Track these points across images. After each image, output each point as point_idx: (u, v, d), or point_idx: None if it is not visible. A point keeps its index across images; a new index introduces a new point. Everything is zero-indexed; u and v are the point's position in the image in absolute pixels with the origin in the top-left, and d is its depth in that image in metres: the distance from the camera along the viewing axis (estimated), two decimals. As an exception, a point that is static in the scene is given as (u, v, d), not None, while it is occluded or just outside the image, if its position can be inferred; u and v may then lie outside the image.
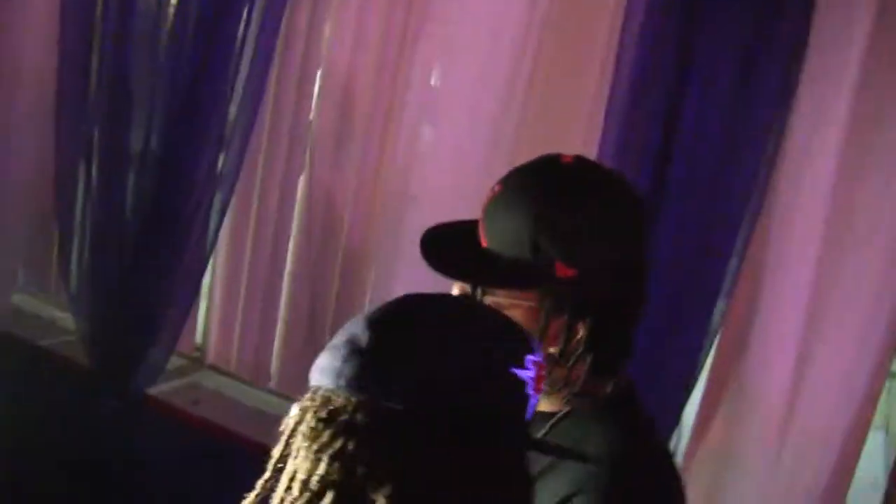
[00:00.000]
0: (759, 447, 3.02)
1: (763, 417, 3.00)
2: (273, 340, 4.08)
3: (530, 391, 1.27)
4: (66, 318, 4.39)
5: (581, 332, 1.63)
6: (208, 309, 4.26)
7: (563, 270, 1.60)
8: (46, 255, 4.55)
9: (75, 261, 4.14)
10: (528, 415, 1.29)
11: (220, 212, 3.83)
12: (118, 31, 3.88)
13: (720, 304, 2.94)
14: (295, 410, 1.28)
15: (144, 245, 3.93)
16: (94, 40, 3.95)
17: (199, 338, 4.37)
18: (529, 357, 1.28)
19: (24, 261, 4.69)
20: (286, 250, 3.98)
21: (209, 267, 4.05)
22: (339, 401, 1.23)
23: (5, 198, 4.31)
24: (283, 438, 1.27)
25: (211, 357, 4.29)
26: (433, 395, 1.22)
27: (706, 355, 3.01)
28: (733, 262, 2.90)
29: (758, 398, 3.01)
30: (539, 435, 1.67)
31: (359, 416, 1.21)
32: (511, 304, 1.62)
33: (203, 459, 4.02)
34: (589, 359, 1.65)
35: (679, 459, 3.16)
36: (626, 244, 1.66)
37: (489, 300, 1.65)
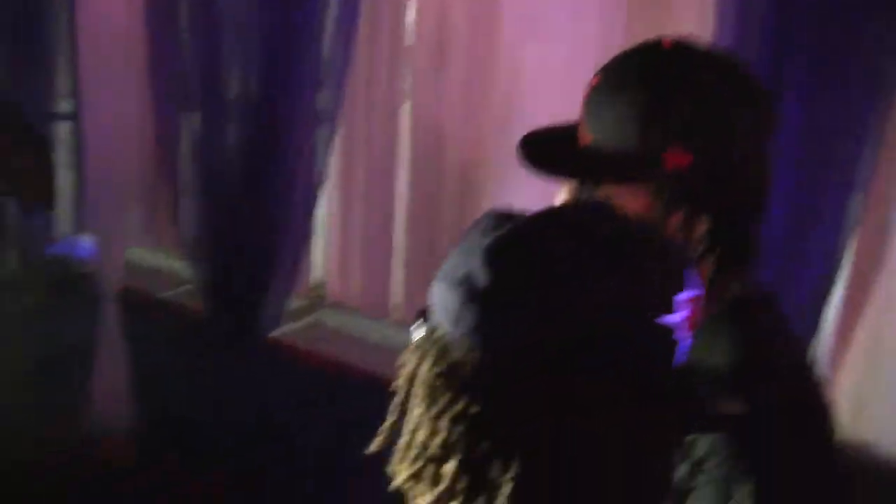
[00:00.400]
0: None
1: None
2: (391, 272, 4.06)
3: (681, 335, 1.10)
4: (182, 269, 4.40)
5: (702, 228, 1.52)
6: (325, 247, 4.25)
7: (678, 158, 1.48)
8: (157, 207, 4.57)
9: (187, 210, 4.14)
10: (678, 359, 1.12)
11: (325, 148, 3.79)
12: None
13: (856, 198, 2.78)
14: (413, 353, 1.15)
15: (253, 188, 3.91)
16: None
17: (317, 276, 4.35)
18: (681, 297, 1.11)
19: (136, 215, 4.70)
20: (397, 180, 3.95)
21: (323, 204, 4.03)
22: (459, 353, 1.08)
23: (110, 153, 4.31)
24: (403, 387, 1.16)
25: (331, 295, 4.29)
26: (563, 352, 1.05)
27: (844, 252, 2.87)
28: (868, 151, 2.74)
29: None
30: None
31: (482, 376, 1.07)
32: (625, 198, 1.51)
33: (329, 398, 4.03)
34: (712, 258, 1.55)
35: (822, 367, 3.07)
36: (745, 130, 1.52)
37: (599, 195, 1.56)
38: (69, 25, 4.32)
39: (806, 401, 1.56)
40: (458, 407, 1.07)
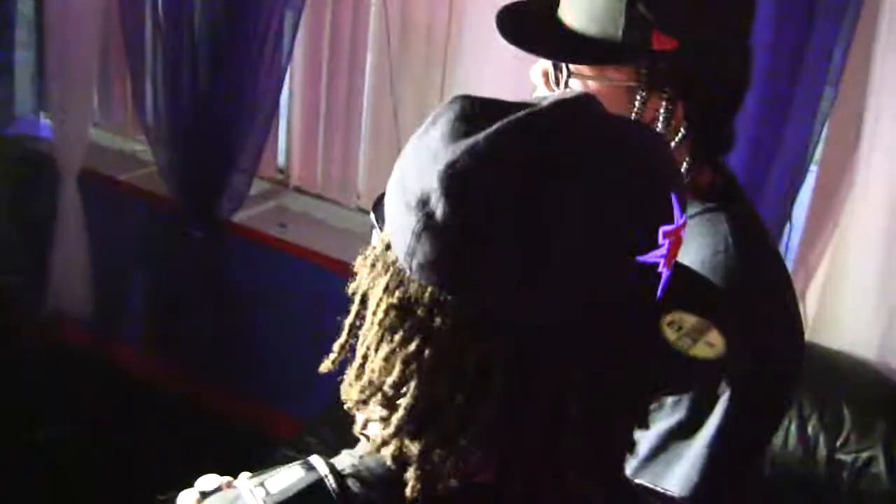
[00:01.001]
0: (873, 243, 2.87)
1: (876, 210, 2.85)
2: (358, 157, 3.98)
3: (662, 269, 1.00)
4: (145, 151, 4.31)
5: (679, 115, 1.50)
6: (289, 130, 4.16)
7: (662, 42, 1.45)
8: (120, 88, 4.48)
9: (150, 92, 4.04)
10: (659, 294, 1.02)
11: (292, 29, 3.70)
12: None
13: (828, 92, 2.77)
14: (365, 267, 1.06)
15: (218, 69, 3.82)
16: None
17: (281, 160, 4.27)
18: (665, 228, 0.98)
19: (99, 95, 4.61)
20: (364, 61, 3.85)
21: (286, 87, 3.93)
22: (413, 286, 0.99)
23: (73, 33, 4.21)
24: (355, 306, 1.07)
25: (295, 179, 4.22)
26: (529, 294, 0.96)
27: (815, 144, 2.87)
28: (837, 51, 2.73)
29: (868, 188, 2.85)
30: None
31: (437, 318, 0.97)
32: (603, 83, 1.51)
33: (293, 283, 3.99)
34: (688, 147, 1.54)
35: (792, 257, 3.09)
36: (729, 16, 1.52)
37: (575, 80, 1.53)
38: None
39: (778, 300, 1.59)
40: (411, 348, 0.99)
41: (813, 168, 3.01)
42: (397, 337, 0.99)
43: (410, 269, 0.98)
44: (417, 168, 0.99)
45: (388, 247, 1.02)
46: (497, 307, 0.96)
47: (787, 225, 2.98)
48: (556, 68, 1.55)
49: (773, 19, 2.67)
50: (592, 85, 1.52)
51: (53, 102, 4.37)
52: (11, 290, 4.37)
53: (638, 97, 1.49)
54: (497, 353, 0.96)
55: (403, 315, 0.99)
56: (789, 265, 2.93)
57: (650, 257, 0.97)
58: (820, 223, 3.06)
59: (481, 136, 0.96)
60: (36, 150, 4.50)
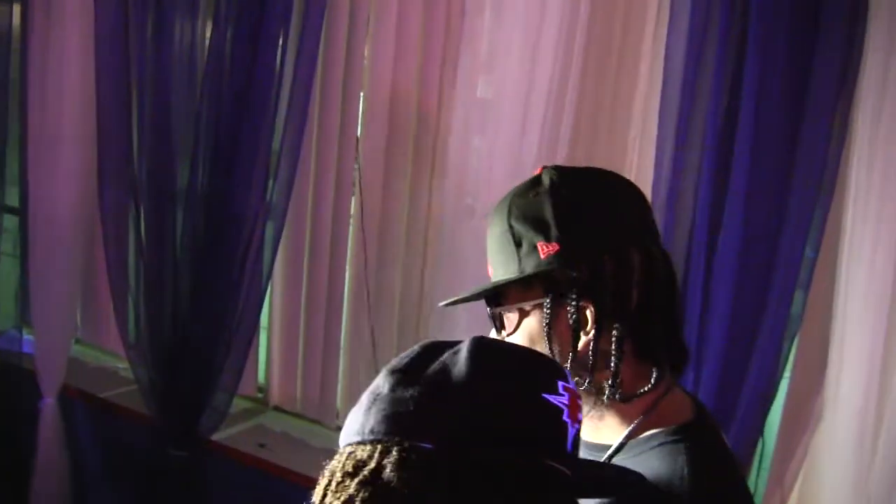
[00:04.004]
0: (851, 455, 2.79)
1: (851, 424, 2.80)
2: (337, 375, 3.95)
3: (566, 419, 1.24)
4: (126, 369, 4.28)
5: (590, 316, 1.57)
6: (269, 348, 4.14)
7: (546, 248, 1.58)
8: (103, 305, 4.48)
9: (131, 309, 4.03)
10: (569, 445, 1.24)
11: (273, 244, 3.71)
12: (154, 73, 3.79)
13: (798, 297, 2.77)
14: (323, 475, 1.26)
15: (199, 286, 3.81)
16: (131, 84, 3.84)
17: (261, 378, 4.24)
18: (562, 383, 1.26)
19: (82, 312, 4.62)
20: (343, 279, 3.86)
21: (266, 307, 3.92)
22: (364, 453, 1.21)
23: (57, 249, 4.24)
24: None
25: (275, 398, 4.18)
26: (462, 427, 1.19)
27: (787, 356, 2.85)
28: (808, 253, 2.74)
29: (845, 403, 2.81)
30: None
31: (385, 461, 1.18)
32: (522, 313, 1.64)
33: (272, 503, 3.90)
34: (615, 348, 1.58)
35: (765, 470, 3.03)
36: (607, 218, 1.62)
37: (506, 324, 1.69)
38: (19, 115, 4.26)
39: None
40: (366, 493, 1.17)
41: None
42: (350, 489, 1.19)
43: (363, 439, 1.23)
44: (369, 388, 1.29)
45: (341, 452, 1.27)
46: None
47: (760, 441, 2.93)
48: (491, 315, 1.72)
49: (738, 234, 2.72)
50: (513, 316, 1.66)
51: (36, 317, 4.36)
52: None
53: (549, 310, 1.59)
54: None
55: (355, 476, 1.20)
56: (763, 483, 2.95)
57: (554, 399, 1.23)
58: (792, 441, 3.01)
59: (414, 347, 1.32)
60: (17, 366, 4.49)
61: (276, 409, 4.20)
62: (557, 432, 1.23)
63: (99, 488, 4.45)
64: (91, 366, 4.62)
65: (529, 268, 1.60)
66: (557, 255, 1.57)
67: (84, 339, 4.72)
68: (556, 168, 1.66)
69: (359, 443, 1.22)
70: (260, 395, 4.25)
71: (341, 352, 3.94)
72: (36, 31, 4.13)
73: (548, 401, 1.23)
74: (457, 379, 1.22)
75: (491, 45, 3.29)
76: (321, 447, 3.93)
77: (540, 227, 1.59)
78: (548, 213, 1.60)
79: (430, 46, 3.51)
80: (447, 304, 1.78)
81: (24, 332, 4.58)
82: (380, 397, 1.24)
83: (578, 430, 1.27)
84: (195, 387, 3.89)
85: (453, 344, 1.30)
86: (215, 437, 3.99)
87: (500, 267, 1.66)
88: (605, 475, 1.36)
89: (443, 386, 1.22)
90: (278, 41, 3.52)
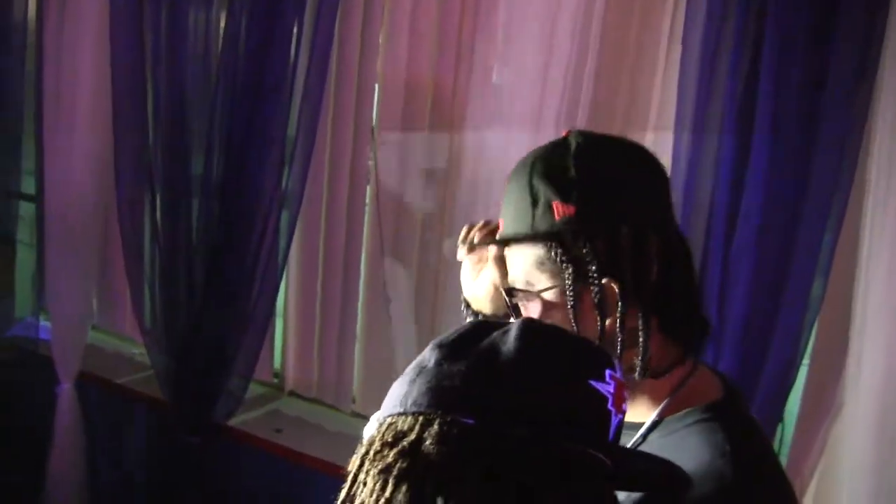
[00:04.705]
0: (872, 442, 2.78)
1: (872, 411, 2.79)
2: (353, 361, 3.98)
3: (611, 407, 1.24)
4: (142, 354, 4.32)
5: (614, 291, 1.56)
6: (284, 333, 4.17)
7: (562, 208, 1.58)
8: (119, 291, 4.51)
9: (147, 295, 4.06)
10: (611, 434, 1.25)
11: (288, 231, 3.73)
12: (169, 61, 3.81)
13: (818, 283, 2.75)
14: (362, 444, 1.25)
15: (215, 272, 3.83)
16: (146, 73, 3.86)
17: (277, 364, 4.27)
18: (609, 372, 1.26)
19: (98, 298, 4.65)
20: (359, 266, 3.88)
21: (282, 292, 3.95)
22: (405, 424, 1.20)
23: (73, 236, 4.26)
24: (351, 476, 1.23)
25: (290, 383, 4.21)
26: (505, 406, 1.19)
27: (806, 342, 2.82)
28: (827, 238, 2.71)
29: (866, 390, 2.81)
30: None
31: (426, 433, 1.18)
32: (545, 303, 1.62)
33: (289, 488, 3.94)
34: (643, 324, 1.57)
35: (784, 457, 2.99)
36: (627, 189, 1.62)
37: (524, 314, 1.67)
38: (35, 105, 4.28)
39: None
40: (404, 464, 1.16)
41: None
42: (388, 459, 1.19)
43: (405, 410, 1.23)
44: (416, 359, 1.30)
45: (382, 422, 1.26)
46: None
47: (780, 427, 2.94)
48: (507, 293, 1.70)
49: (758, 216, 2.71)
50: (532, 306, 1.64)
51: (53, 304, 4.39)
52: (6, 493, 4.33)
53: (567, 291, 1.58)
54: None
55: (394, 446, 1.20)
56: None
57: (600, 386, 1.23)
58: (811, 428, 3.00)
59: (464, 325, 1.33)
60: (34, 352, 4.51)
61: (292, 394, 4.23)
62: (601, 420, 1.23)
63: (115, 473, 4.48)
64: (107, 352, 4.66)
65: (542, 227, 1.60)
66: (572, 217, 1.57)
67: (100, 326, 4.76)
68: (583, 133, 1.66)
69: (400, 414, 1.22)
70: (276, 381, 4.28)
71: (357, 337, 3.96)
72: (51, 20, 4.14)
73: (594, 388, 1.23)
74: (504, 358, 1.22)
75: (506, 32, 3.29)
76: (337, 432, 3.95)
77: (559, 188, 1.59)
78: (568, 174, 1.59)
79: (445, 34, 3.51)
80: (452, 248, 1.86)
81: (41, 318, 4.60)
82: (425, 370, 1.25)
83: (622, 421, 1.27)
84: (211, 372, 3.91)
85: (503, 324, 1.30)
86: (231, 422, 4.02)
87: (511, 223, 1.67)
88: (648, 469, 1.34)
89: (490, 363, 1.22)
90: (293, 29, 3.53)
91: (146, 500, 4.44)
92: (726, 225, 2.75)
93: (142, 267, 4.06)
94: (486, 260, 1.95)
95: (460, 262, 2.06)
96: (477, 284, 1.98)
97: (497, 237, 1.73)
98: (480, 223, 2.00)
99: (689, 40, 2.81)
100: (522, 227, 1.63)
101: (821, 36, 2.60)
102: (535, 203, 1.61)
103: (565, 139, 1.66)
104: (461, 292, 1.99)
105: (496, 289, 1.87)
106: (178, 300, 3.94)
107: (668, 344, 1.61)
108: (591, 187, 1.59)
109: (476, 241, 1.96)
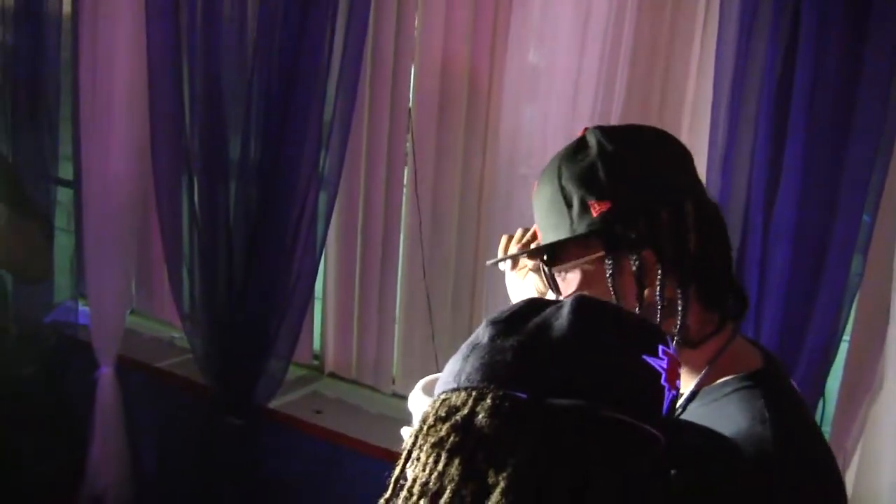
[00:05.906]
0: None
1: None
2: (392, 342, 4.00)
3: (664, 382, 1.25)
4: (181, 338, 4.35)
5: (653, 259, 1.61)
6: (324, 315, 4.18)
7: (598, 206, 1.62)
8: (158, 275, 4.53)
9: (186, 278, 4.07)
10: (665, 409, 1.26)
11: (326, 214, 3.74)
12: (205, 45, 3.80)
13: (857, 260, 2.77)
14: (415, 421, 1.27)
15: (253, 255, 3.83)
16: (182, 58, 3.86)
17: (316, 346, 4.29)
18: (662, 347, 1.27)
19: (137, 282, 4.67)
20: (398, 247, 3.90)
21: (320, 274, 3.96)
22: (458, 399, 1.22)
23: (111, 220, 4.27)
24: (405, 452, 1.26)
25: (330, 365, 4.23)
26: (558, 380, 1.20)
27: (847, 318, 2.83)
28: (866, 217, 2.73)
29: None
30: None
31: (479, 408, 1.20)
32: (585, 273, 1.68)
33: (329, 469, 3.95)
34: (681, 292, 1.61)
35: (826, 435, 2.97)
36: (655, 171, 1.67)
37: (558, 275, 1.73)
38: (72, 90, 4.29)
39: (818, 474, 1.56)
40: (457, 438, 1.19)
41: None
42: (441, 433, 1.22)
43: (458, 385, 1.25)
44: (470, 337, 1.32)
45: (436, 398, 1.28)
46: None
47: (821, 402, 2.93)
48: (542, 274, 1.77)
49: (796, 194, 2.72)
50: (570, 276, 1.70)
51: (91, 289, 4.41)
52: (48, 478, 4.35)
53: (609, 265, 1.63)
54: None
55: (447, 420, 1.22)
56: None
57: (653, 361, 1.24)
58: (852, 406, 3.00)
59: (518, 302, 1.35)
60: (73, 337, 4.54)
61: (332, 375, 4.25)
62: (654, 395, 1.24)
63: (156, 457, 4.50)
64: (146, 336, 4.68)
65: (582, 227, 1.63)
66: (609, 211, 1.61)
67: (139, 310, 4.79)
68: (599, 128, 1.70)
69: (454, 389, 1.24)
70: (315, 362, 4.30)
71: (396, 318, 3.98)
72: (87, 5, 4.14)
73: (647, 363, 1.24)
74: (557, 333, 1.23)
75: (542, 12, 3.28)
76: (377, 413, 3.98)
77: (591, 187, 1.63)
78: (597, 172, 1.63)
79: (480, 14, 3.51)
80: (492, 263, 1.90)
81: (80, 303, 4.62)
82: (479, 346, 1.26)
83: (675, 396, 1.28)
84: (250, 355, 3.93)
85: (556, 302, 1.32)
86: (271, 404, 4.04)
87: (551, 230, 1.70)
88: (699, 444, 1.39)
89: (543, 338, 1.23)
90: (328, 11, 3.52)
91: (188, 482, 4.46)
92: (764, 202, 2.75)
93: (180, 251, 4.06)
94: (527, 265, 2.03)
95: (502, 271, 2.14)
96: (524, 287, 2.05)
97: (537, 246, 1.78)
98: (518, 233, 2.04)
99: (725, 15, 2.79)
100: (563, 232, 1.67)
101: (857, 25, 2.59)
102: (569, 206, 1.65)
103: (583, 138, 1.71)
104: (490, 263, 2.03)
105: (541, 294, 1.90)
106: (217, 284, 3.95)
107: (706, 313, 1.64)
108: (620, 179, 1.63)
109: (516, 251, 1.99)
